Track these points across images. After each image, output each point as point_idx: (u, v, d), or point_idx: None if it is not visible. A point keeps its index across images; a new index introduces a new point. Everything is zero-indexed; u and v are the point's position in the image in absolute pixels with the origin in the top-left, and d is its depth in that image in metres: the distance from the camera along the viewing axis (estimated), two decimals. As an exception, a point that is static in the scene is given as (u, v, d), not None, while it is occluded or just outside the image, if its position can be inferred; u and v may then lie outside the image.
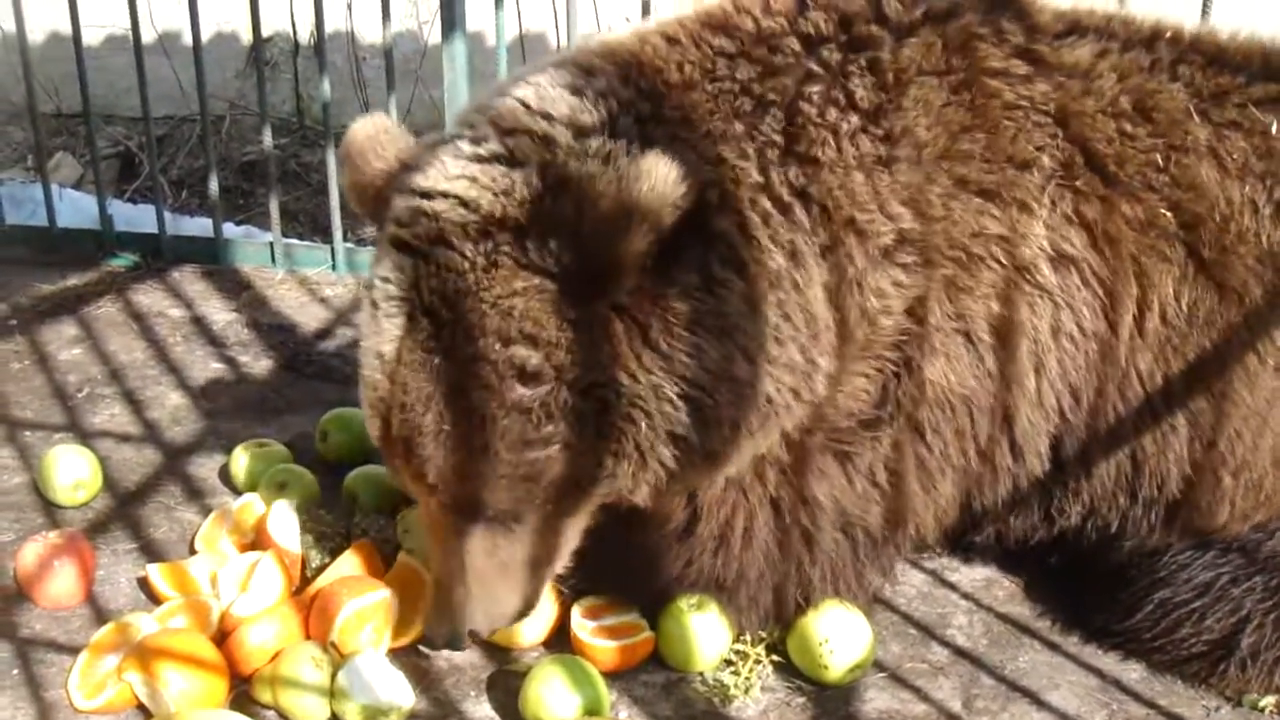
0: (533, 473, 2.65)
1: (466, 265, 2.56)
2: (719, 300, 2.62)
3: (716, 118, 2.73)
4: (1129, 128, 2.94)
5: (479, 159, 2.65)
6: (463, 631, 2.85)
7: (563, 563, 2.94)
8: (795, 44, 2.85)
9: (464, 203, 2.59)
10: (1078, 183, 2.90)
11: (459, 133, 2.76)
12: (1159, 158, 2.92)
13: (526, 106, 2.71)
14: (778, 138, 2.74)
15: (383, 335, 2.67)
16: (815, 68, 2.83)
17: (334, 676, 2.88)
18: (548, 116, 2.67)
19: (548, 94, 2.72)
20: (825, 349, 2.76)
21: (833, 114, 2.78)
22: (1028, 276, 2.90)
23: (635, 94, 2.73)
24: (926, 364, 2.89)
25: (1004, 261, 2.88)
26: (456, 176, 2.63)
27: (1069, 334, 2.94)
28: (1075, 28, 3.04)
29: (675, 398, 2.64)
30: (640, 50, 2.83)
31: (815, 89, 2.80)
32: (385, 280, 2.68)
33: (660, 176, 2.45)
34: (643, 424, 2.64)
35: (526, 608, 2.91)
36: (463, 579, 2.81)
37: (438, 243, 2.59)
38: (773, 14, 2.90)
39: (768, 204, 2.69)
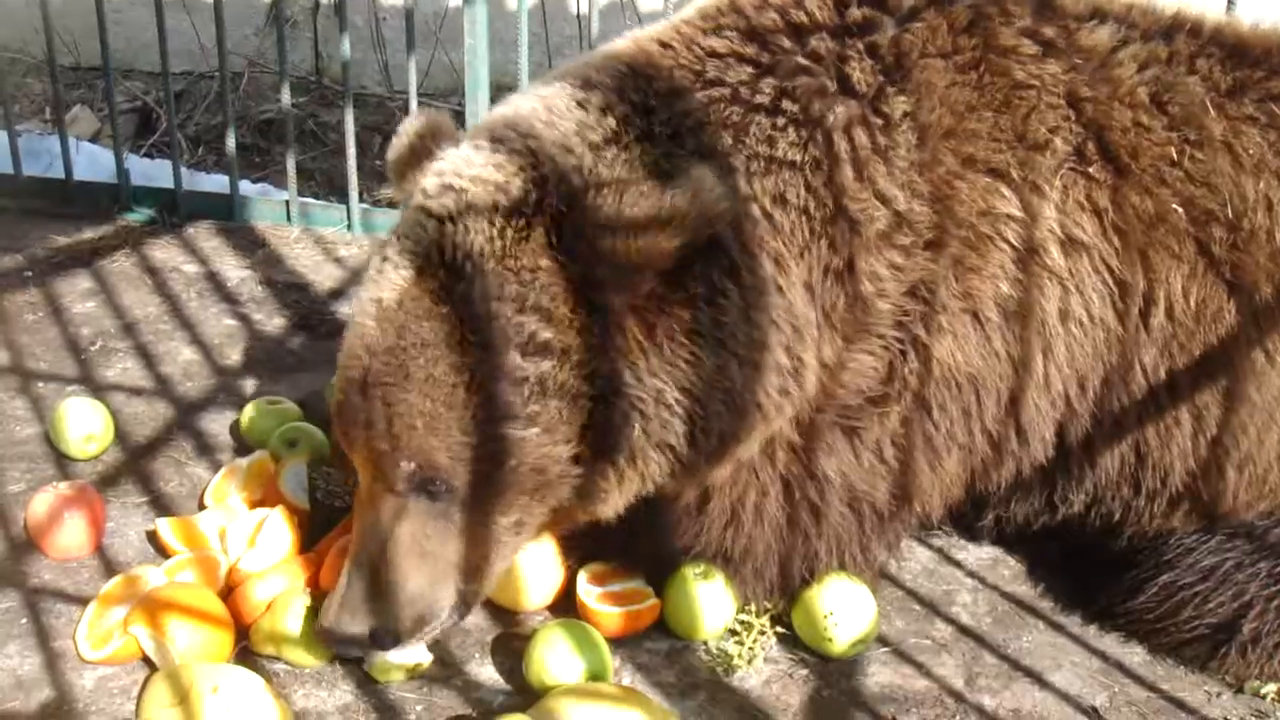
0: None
1: (495, 233, 2.60)
2: (718, 310, 2.67)
3: (706, 131, 2.77)
4: (1145, 119, 2.93)
5: (502, 154, 2.71)
6: (394, 627, 2.78)
7: (490, 582, 2.89)
8: (785, 39, 2.88)
9: (494, 186, 2.65)
10: (1091, 169, 2.90)
11: (476, 136, 2.82)
12: (1173, 151, 2.92)
13: (539, 120, 2.75)
14: (761, 147, 2.77)
15: (386, 284, 2.68)
16: (804, 60, 2.86)
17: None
18: (561, 130, 2.72)
19: (557, 106, 2.78)
20: (809, 345, 2.79)
21: (817, 107, 2.80)
22: (1037, 258, 2.90)
23: (630, 109, 2.77)
24: (934, 342, 2.90)
25: (1013, 242, 2.88)
26: (483, 165, 2.70)
27: (1077, 319, 2.94)
28: (1096, 12, 3.04)
29: (674, 403, 2.68)
30: (634, 59, 2.88)
31: (800, 83, 2.82)
32: (404, 237, 2.71)
33: (708, 188, 2.54)
34: (637, 426, 2.67)
35: (434, 616, 2.81)
36: (385, 568, 2.76)
37: (466, 212, 2.64)
38: (769, 6, 2.92)
39: (756, 212, 2.73)
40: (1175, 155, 2.91)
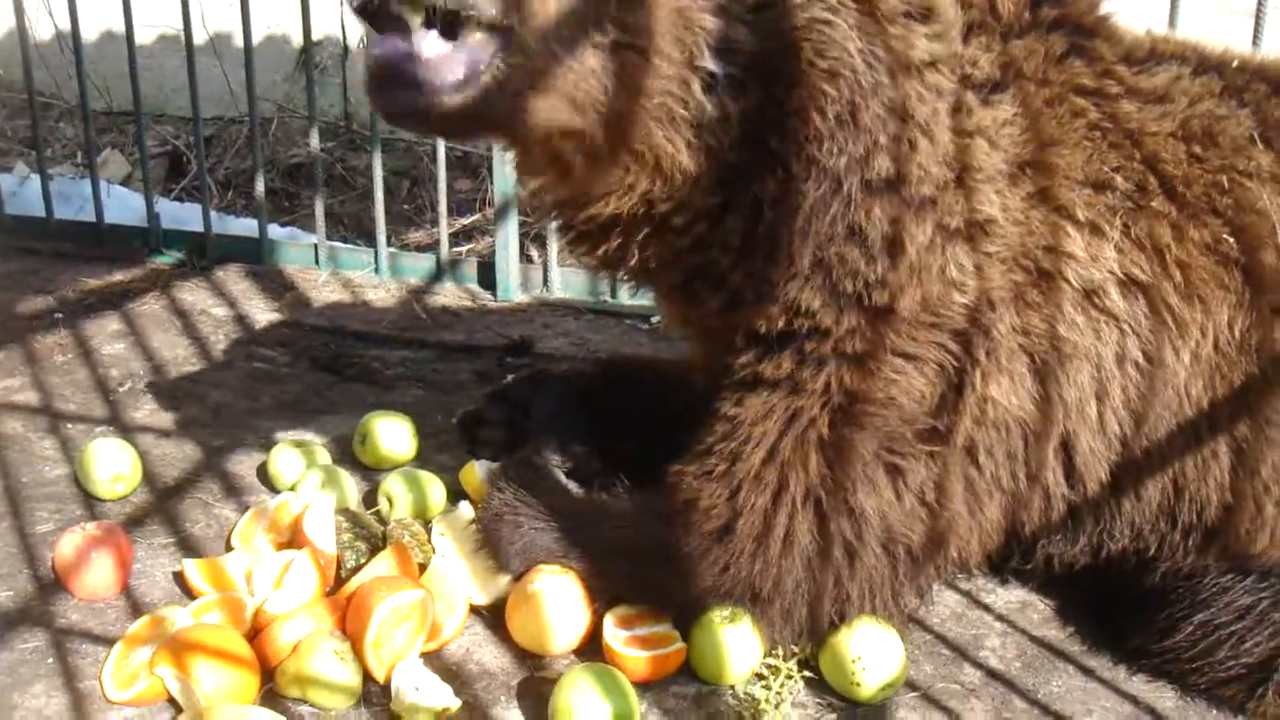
0: None
1: None
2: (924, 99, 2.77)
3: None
4: (1198, 150, 2.96)
5: None
6: None
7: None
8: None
9: None
10: (1152, 203, 2.92)
11: None
12: (1224, 180, 2.93)
13: None
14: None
15: None
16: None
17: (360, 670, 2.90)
18: None
19: None
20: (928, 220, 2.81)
21: (963, 61, 2.89)
22: (1095, 300, 2.91)
23: None
24: (990, 381, 2.90)
25: (1073, 282, 2.90)
26: None
27: (1134, 361, 2.93)
28: (1154, 54, 3.09)
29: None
30: None
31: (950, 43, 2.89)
32: None
33: None
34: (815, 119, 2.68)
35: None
36: None
37: None
38: None
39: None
40: (1226, 184, 2.93)
